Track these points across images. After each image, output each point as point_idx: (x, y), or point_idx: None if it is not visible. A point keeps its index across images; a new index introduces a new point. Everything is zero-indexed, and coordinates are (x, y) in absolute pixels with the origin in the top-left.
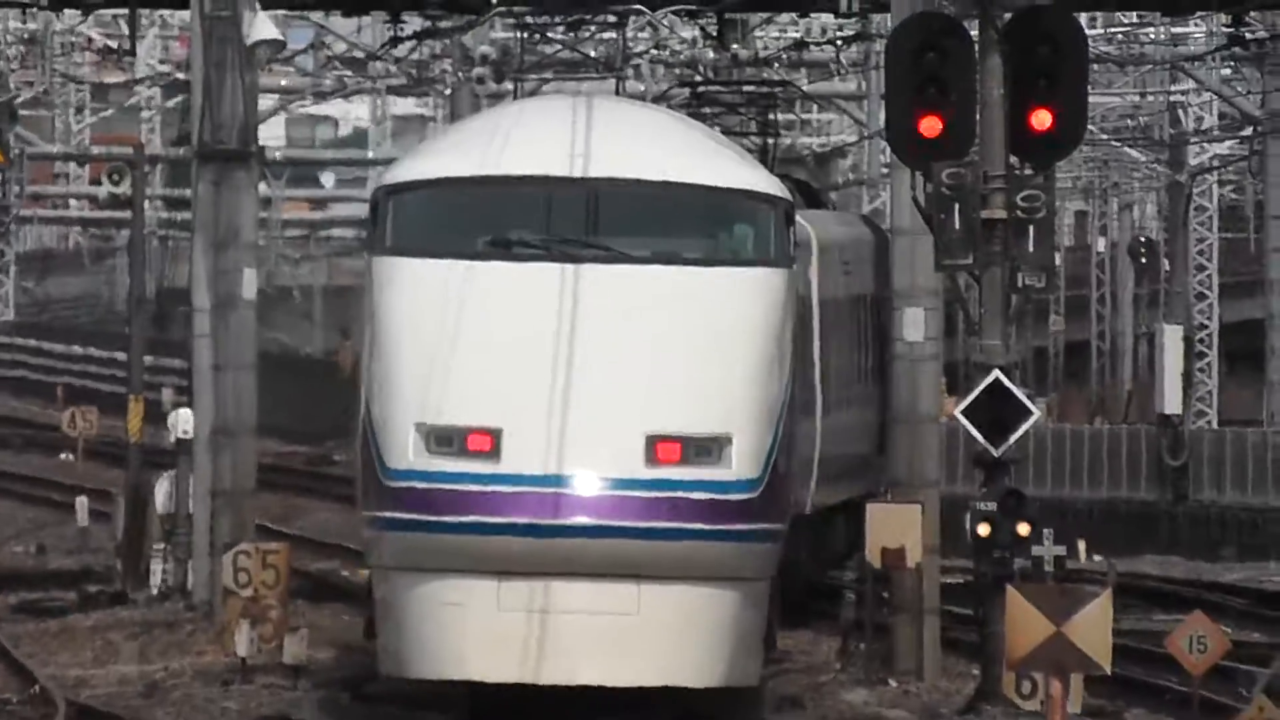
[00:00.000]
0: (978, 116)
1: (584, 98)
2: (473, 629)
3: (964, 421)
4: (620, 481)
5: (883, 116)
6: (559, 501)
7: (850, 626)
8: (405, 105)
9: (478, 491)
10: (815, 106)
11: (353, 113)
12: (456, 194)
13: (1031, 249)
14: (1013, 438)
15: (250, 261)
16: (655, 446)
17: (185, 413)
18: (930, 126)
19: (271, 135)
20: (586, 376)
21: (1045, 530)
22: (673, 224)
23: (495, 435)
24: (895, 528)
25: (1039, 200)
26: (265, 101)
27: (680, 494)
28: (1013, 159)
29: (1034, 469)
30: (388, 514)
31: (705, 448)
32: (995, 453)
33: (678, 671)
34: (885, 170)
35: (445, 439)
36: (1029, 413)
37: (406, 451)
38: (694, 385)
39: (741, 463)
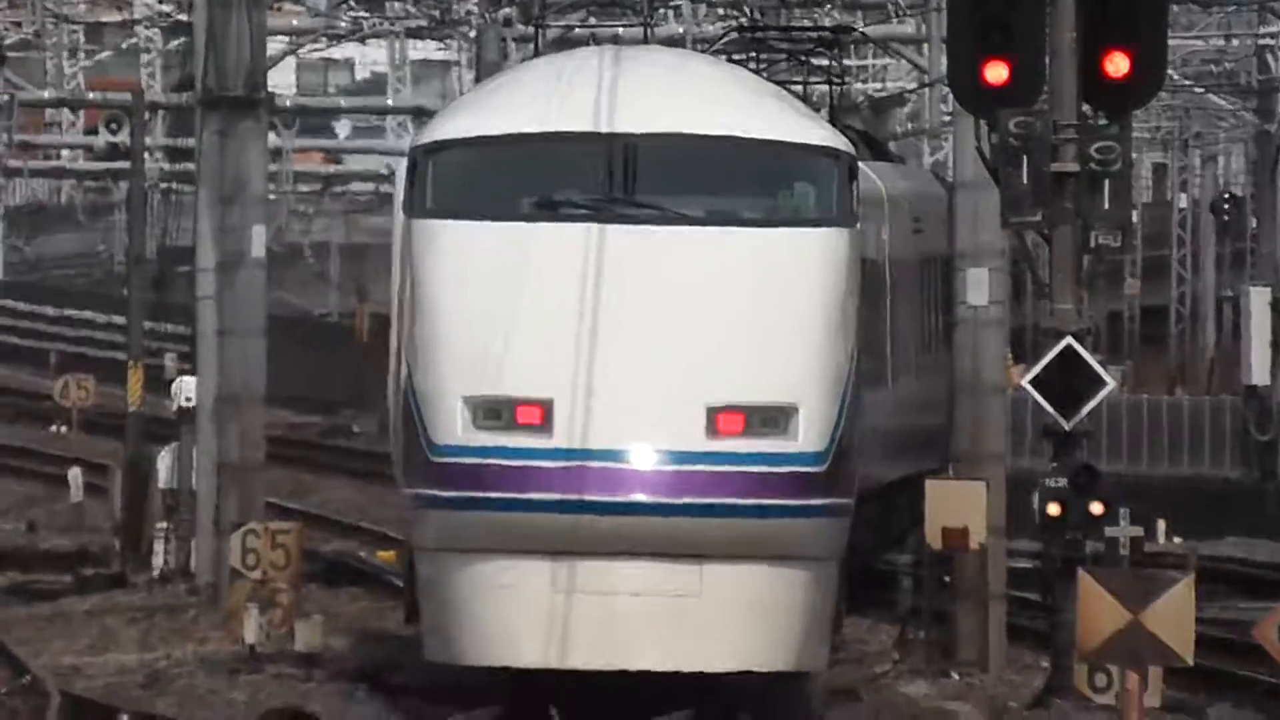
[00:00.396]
0: (1047, 61)
1: (634, 48)
2: (526, 612)
3: (1032, 392)
4: (680, 455)
5: (944, 62)
6: (615, 477)
7: (908, 614)
8: (426, 49)
9: (529, 467)
10: (872, 50)
11: (369, 56)
12: (503, 152)
13: (1106, 205)
14: (1085, 409)
15: (259, 217)
16: (716, 417)
17: (189, 380)
18: (996, 73)
19: (281, 81)
20: (642, 344)
21: (1121, 509)
22: (730, 182)
23: (546, 407)
24: (957, 506)
25: (1114, 152)
26: (274, 44)
27: (744, 468)
28: (1085, 107)
29: (1108, 443)
30: (434, 491)
31: (770, 418)
32: (1066, 425)
33: (743, 655)
34: (947, 119)
35: (494, 412)
36: (1103, 382)
37: (455, 425)
38: (756, 353)
39: (808, 434)
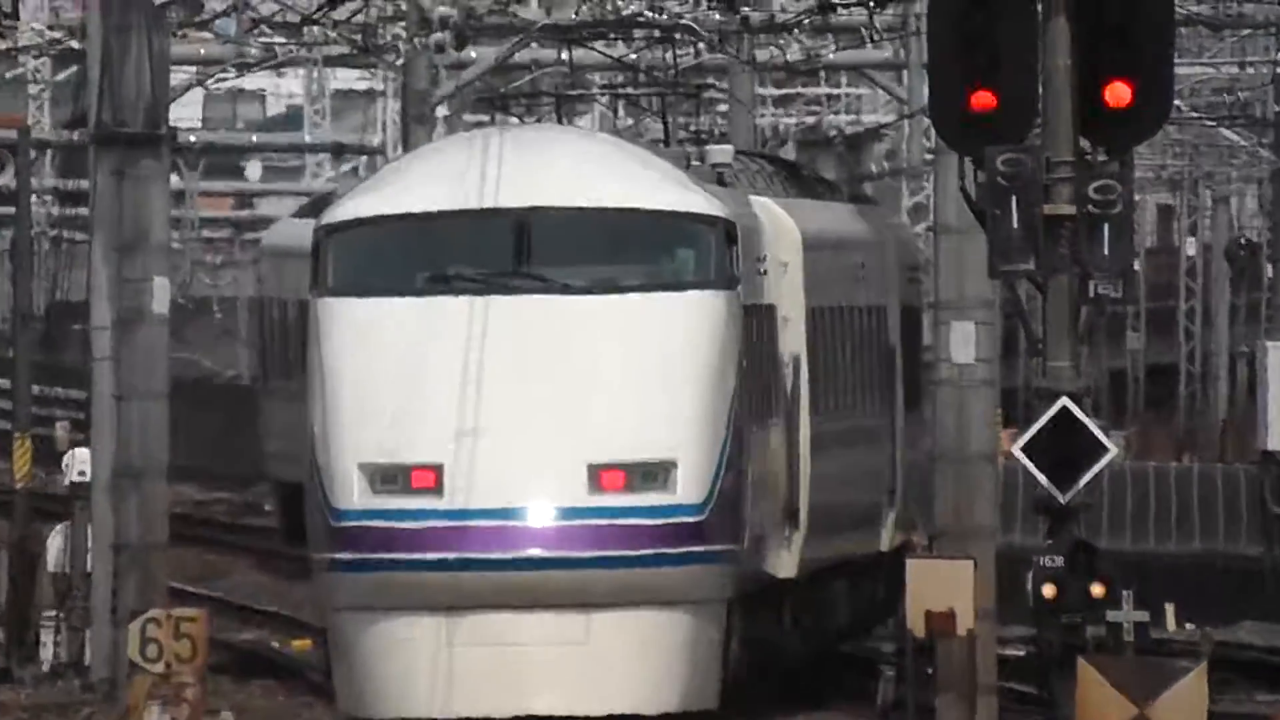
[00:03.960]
0: (1040, 90)
1: (519, 127)
2: (424, 666)
3: (1024, 460)
4: (564, 511)
5: (925, 91)
6: (503, 534)
7: (888, 708)
8: (348, 78)
9: (423, 528)
10: (845, 79)
11: (284, 88)
12: (395, 231)
13: (1106, 251)
14: (1084, 479)
15: (161, 268)
16: (599, 474)
17: (82, 452)
18: (982, 102)
19: (186, 116)
20: (526, 408)
21: (1124, 591)
22: (609, 251)
23: (438, 471)
24: (942, 587)
25: (1114, 192)
26: (178, 75)
27: (625, 520)
28: (1083, 142)
29: (1109, 517)
30: (336, 555)
31: (650, 473)
32: (1062, 498)
33: (631, 698)
34: (929, 157)
35: (390, 477)
36: (1103, 449)
37: (352, 491)
38: (635, 412)
39: (687, 486)
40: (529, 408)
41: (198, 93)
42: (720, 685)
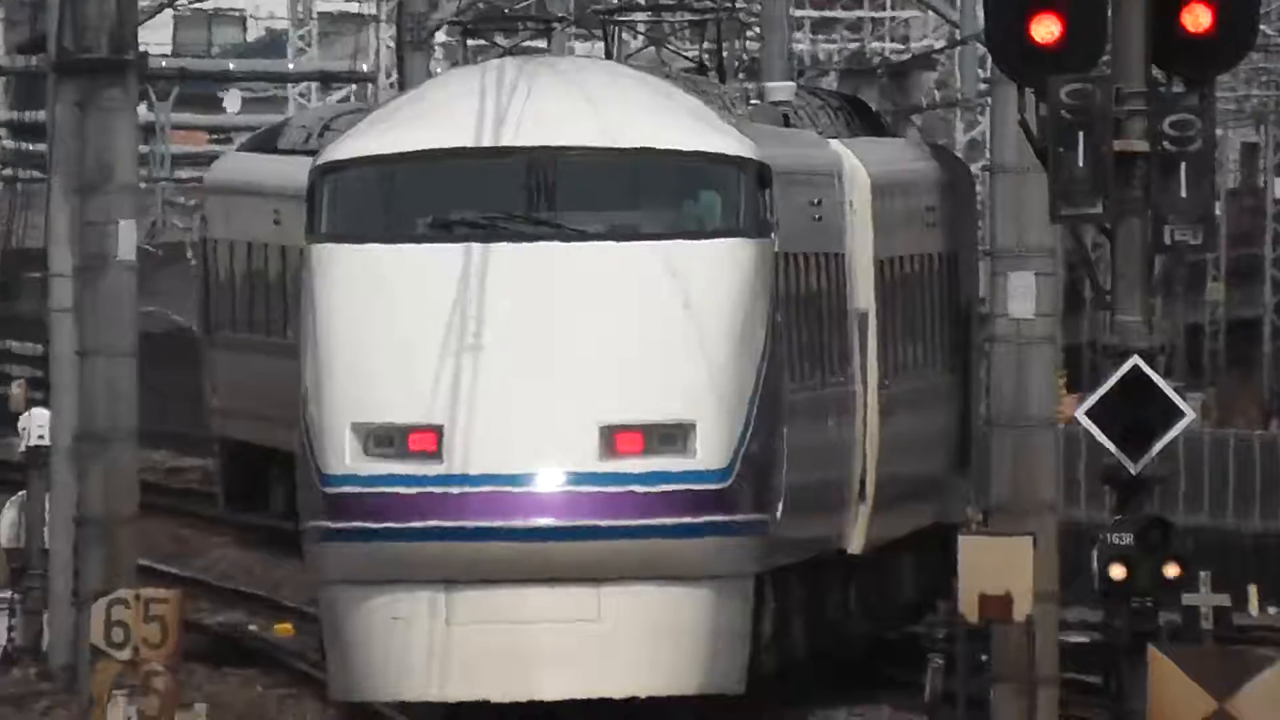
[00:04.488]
0: (1109, 14)
1: (533, 60)
2: (421, 645)
3: (1090, 425)
4: (574, 476)
5: (981, 15)
6: (507, 502)
7: (938, 700)
8: (336, 0)
9: (420, 494)
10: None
11: (265, 8)
12: (393, 172)
13: (1183, 193)
14: (1157, 448)
15: (127, 210)
16: (612, 437)
17: (40, 413)
18: (1046, 28)
19: (156, 40)
20: (535, 365)
21: (1201, 572)
22: (627, 194)
23: (438, 432)
24: (997, 568)
25: (1193, 127)
26: None
27: (641, 487)
28: (1157, 72)
29: (1186, 490)
30: (326, 523)
31: (668, 436)
32: (1133, 468)
33: (648, 680)
34: (984, 87)
35: (385, 439)
36: (1179, 413)
37: (343, 454)
38: (653, 370)
39: (707, 450)
40: (537, 364)
41: (168, 14)
42: (746, 668)
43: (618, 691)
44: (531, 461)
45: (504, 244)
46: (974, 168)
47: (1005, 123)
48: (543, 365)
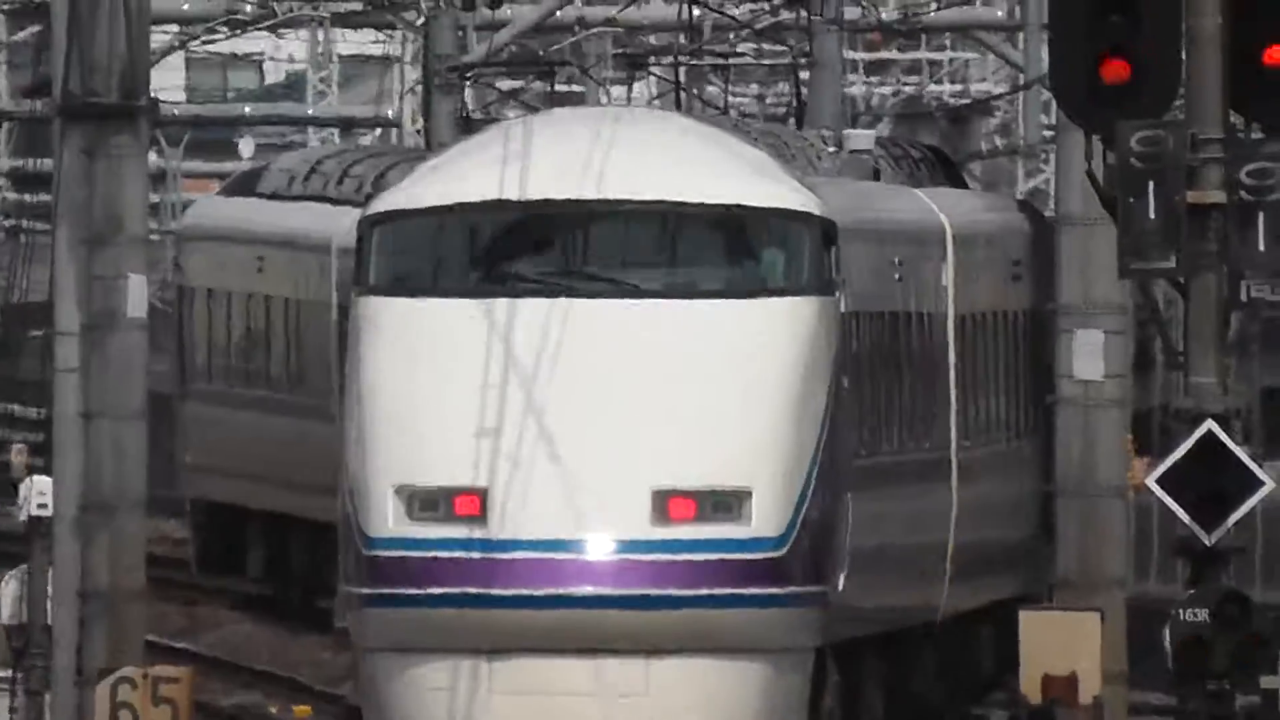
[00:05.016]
0: (1184, 56)
1: (591, 109)
2: (462, 716)
3: (1161, 494)
4: (625, 544)
5: (1045, 56)
6: (554, 569)
7: None
8: (358, 41)
9: (463, 559)
10: (950, 42)
11: (284, 51)
12: (444, 224)
13: (1261, 246)
14: (1233, 517)
15: (138, 264)
16: (665, 503)
17: (42, 480)
18: (1114, 71)
19: (168, 83)
20: (585, 426)
21: None
22: (687, 250)
23: (482, 496)
24: (1063, 645)
25: (1273, 176)
26: (159, 37)
27: (694, 555)
28: (1235, 117)
29: (1264, 563)
30: (367, 588)
31: (722, 502)
32: (1208, 539)
33: None
34: (1048, 134)
35: (429, 502)
36: (1257, 482)
37: (386, 517)
38: (708, 433)
39: (763, 518)
40: (588, 426)
41: (181, 57)
42: None
43: None
44: (580, 527)
45: (556, 300)
46: None
47: (1071, 171)
48: (593, 427)
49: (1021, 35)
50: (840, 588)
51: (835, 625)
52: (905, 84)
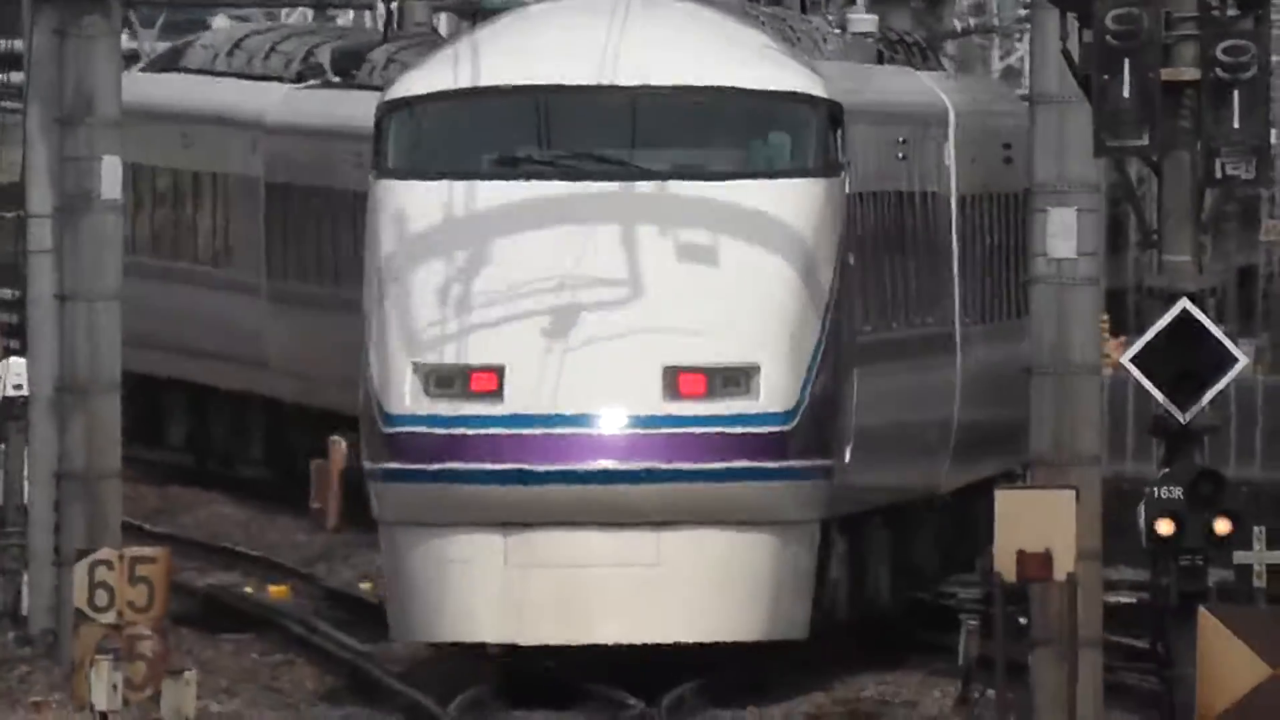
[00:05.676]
0: None
1: None
2: (479, 587)
3: (1136, 372)
4: (636, 419)
5: None
6: (568, 444)
7: (973, 665)
8: None
9: (480, 436)
10: None
11: None
12: (456, 108)
13: (1236, 124)
14: (1208, 396)
15: (112, 145)
16: (676, 379)
17: (17, 362)
18: None
19: None
20: (597, 305)
21: (1255, 529)
22: (693, 134)
23: (499, 373)
24: (1037, 524)
25: (1247, 53)
26: None
27: (704, 430)
28: None
29: (1238, 441)
30: (387, 464)
31: (731, 378)
32: (1182, 418)
33: (707, 626)
34: (1023, 12)
35: (446, 380)
36: (1231, 359)
37: (404, 395)
38: (717, 311)
39: (772, 393)
40: (600, 304)
41: None
42: (811, 614)
43: (677, 637)
44: (593, 403)
45: (568, 182)
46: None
47: (1046, 49)
48: (606, 305)
49: None
50: (846, 461)
51: (841, 498)
52: None
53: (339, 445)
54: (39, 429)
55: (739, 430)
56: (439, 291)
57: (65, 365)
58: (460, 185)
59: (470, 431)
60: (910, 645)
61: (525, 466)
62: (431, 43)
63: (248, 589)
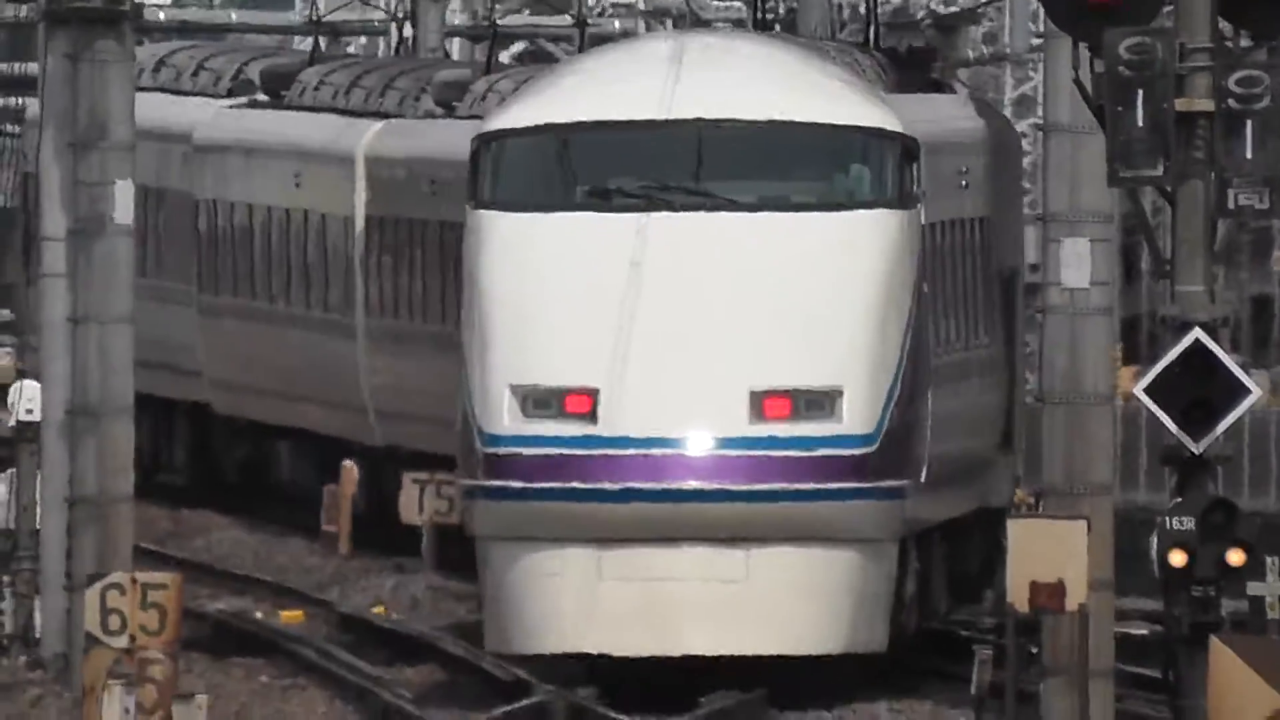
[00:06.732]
0: None
1: (688, 34)
2: (573, 600)
3: (1148, 402)
4: (724, 440)
5: None
6: (659, 464)
7: (984, 694)
8: None
9: (575, 456)
10: None
11: None
12: (551, 141)
13: (1249, 154)
14: (1220, 426)
15: (124, 169)
16: (761, 402)
17: (30, 385)
18: None
19: None
20: (687, 331)
21: (1268, 559)
22: (781, 166)
23: (593, 395)
24: (1049, 553)
25: (1261, 84)
26: None
27: (788, 452)
28: (1223, 25)
29: (1252, 471)
30: (485, 482)
31: (815, 401)
32: (1195, 447)
33: (791, 639)
34: (1037, 41)
35: (542, 401)
36: (1244, 390)
37: (502, 415)
38: (802, 337)
39: (854, 416)
40: (689, 330)
41: None
42: (888, 627)
43: (762, 649)
44: (683, 425)
45: (660, 213)
46: (1024, 125)
47: (1059, 79)
48: (695, 331)
49: None
50: (922, 481)
51: (917, 516)
52: None
53: (350, 470)
54: (51, 453)
55: (822, 452)
56: (535, 317)
57: (77, 389)
58: (555, 216)
59: (566, 451)
60: (925, 673)
61: (618, 485)
62: (362, 67)
63: (259, 614)
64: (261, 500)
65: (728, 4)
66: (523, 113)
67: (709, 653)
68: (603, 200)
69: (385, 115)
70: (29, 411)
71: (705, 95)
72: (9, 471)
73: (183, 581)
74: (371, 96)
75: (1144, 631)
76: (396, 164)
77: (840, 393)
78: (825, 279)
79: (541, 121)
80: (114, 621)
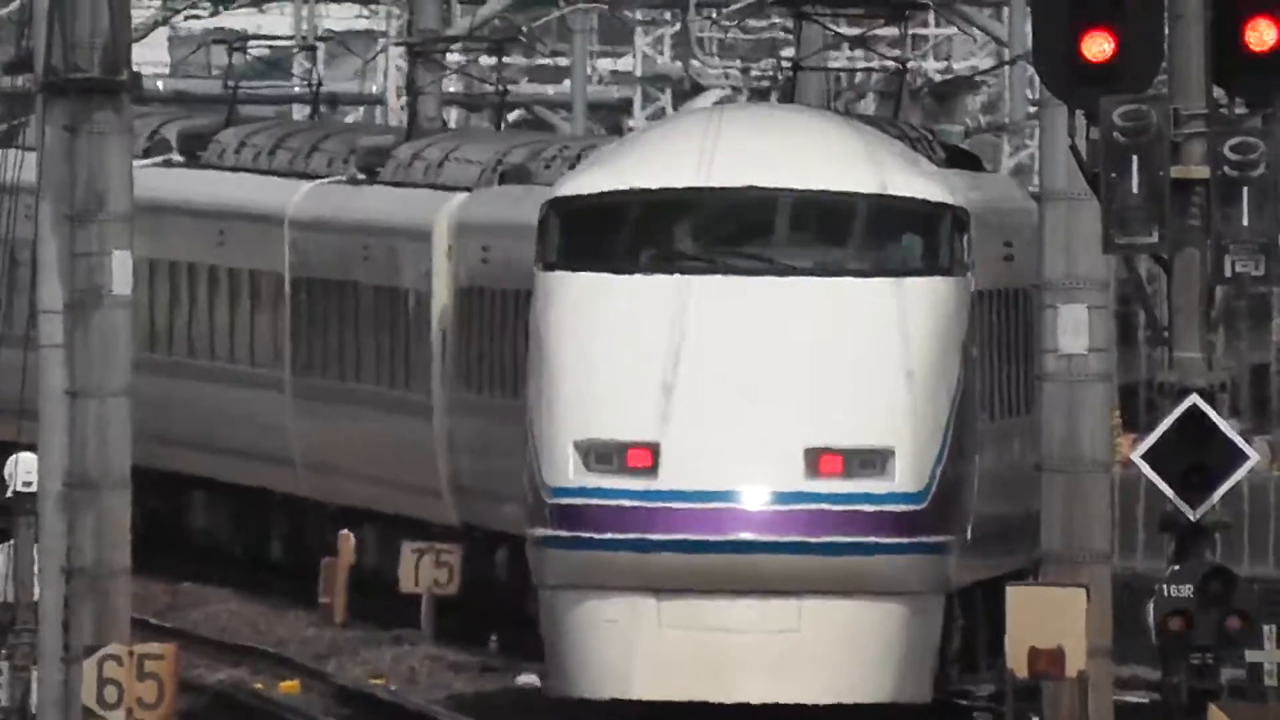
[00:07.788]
0: (1166, 30)
1: (743, 105)
2: (633, 647)
3: (1146, 469)
4: (780, 495)
5: (1029, 32)
6: (717, 517)
7: None
8: (344, 15)
9: (636, 508)
10: (934, 18)
11: (267, 27)
12: (616, 207)
13: (1245, 221)
14: (1218, 493)
15: (122, 241)
16: (816, 459)
17: (27, 457)
18: (1097, 46)
19: (150, 59)
20: (745, 389)
21: (1266, 627)
22: (839, 234)
23: (654, 450)
24: (1048, 620)
25: (1256, 151)
26: (141, 12)
27: (842, 507)
28: (1217, 92)
29: (1250, 538)
30: (549, 531)
31: (868, 460)
32: (1193, 514)
33: (842, 688)
34: (1033, 110)
35: (605, 455)
36: (1242, 456)
37: (566, 468)
38: (855, 397)
39: (905, 475)
40: (747, 389)
41: (163, 32)
42: (934, 678)
43: (814, 698)
44: (740, 479)
45: (719, 277)
46: None
47: (1055, 146)
48: (753, 390)
49: (1006, 11)
50: (969, 538)
51: (963, 572)
52: (888, 58)
53: (347, 539)
54: (48, 524)
55: (874, 508)
56: (599, 374)
57: (75, 461)
58: (620, 278)
59: (628, 504)
60: None
61: (678, 536)
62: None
63: (258, 685)
64: (261, 571)
65: (725, 68)
66: (588, 180)
67: (762, 700)
68: (664, 263)
69: (310, 177)
70: (27, 484)
71: (766, 166)
72: (7, 544)
73: (179, 653)
74: (298, 159)
75: (1144, 700)
76: (322, 226)
77: (892, 452)
78: (879, 342)
79: (606, 189)
80: (111, 694)
